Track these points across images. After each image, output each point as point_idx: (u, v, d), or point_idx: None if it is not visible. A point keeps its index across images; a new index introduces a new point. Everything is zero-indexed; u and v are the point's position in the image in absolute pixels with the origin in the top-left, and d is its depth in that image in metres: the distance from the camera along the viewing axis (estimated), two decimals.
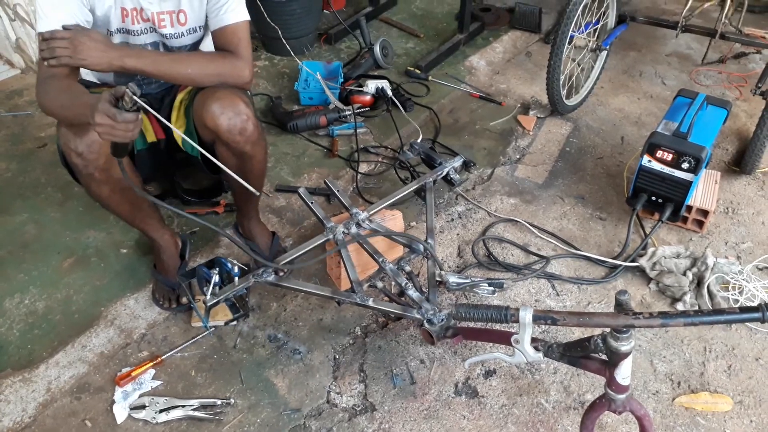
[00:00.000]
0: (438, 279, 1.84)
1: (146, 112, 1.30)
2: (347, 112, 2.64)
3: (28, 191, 2.31)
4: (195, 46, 1.80)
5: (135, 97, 1.25)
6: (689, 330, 1.87)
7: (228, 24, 1.66)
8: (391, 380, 1.76)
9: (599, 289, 2.01)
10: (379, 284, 1.82)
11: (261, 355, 1.82)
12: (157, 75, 1.57)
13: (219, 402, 1.69)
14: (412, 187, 2.01)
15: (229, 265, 1.66)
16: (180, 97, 1.83)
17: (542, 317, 1.14)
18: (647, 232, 2.14)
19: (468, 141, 2.63)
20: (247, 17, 1.70)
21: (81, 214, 2.22)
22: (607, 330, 1.23)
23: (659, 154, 1.98)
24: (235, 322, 1.87)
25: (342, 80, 2.79)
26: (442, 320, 1.69)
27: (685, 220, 2.16)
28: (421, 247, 1.84)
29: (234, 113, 1.62)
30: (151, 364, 1.77)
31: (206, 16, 1.71)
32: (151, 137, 1.83)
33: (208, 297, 1.62)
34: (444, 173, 2.06)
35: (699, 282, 1.94)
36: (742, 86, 2.89)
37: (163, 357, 1.79)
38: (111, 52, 1.50)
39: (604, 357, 1.26)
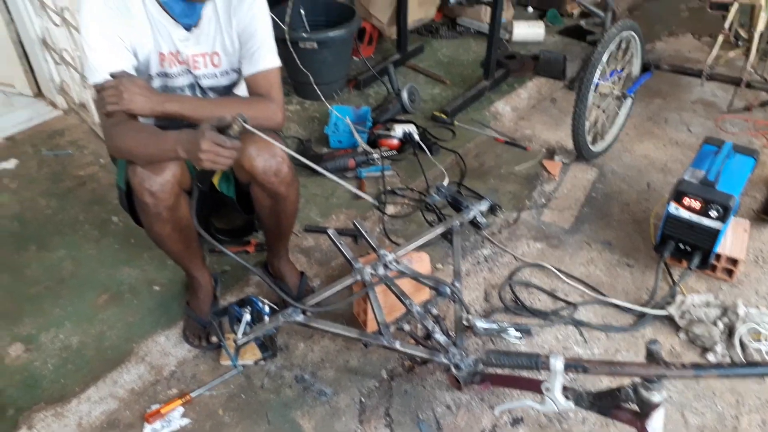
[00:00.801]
0: (465, 323, 1.85)
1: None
2: (375, 155, 2.70)
3: (66, 228, 2.38)
4: (230, 88, 1.88)
5: (246, 125, 1.42)
6: (722, 382, 1.84)
7: (261, 70, 1.74)
8: (417, 426, 1.75)
9: (627, 336, 2.00)
10: (406, 327, 1.83)
11: (288, 396, 1.83)
12: (196, 119, 1.64)
13: None
14: (439, 229, 2.04)
15: (260, 304, 1.70)
16: None
17: (573, 365, 1.14)
18: (675, 280, 2.14)
19: (494, 185, 2.66)
20: (279, 63, 1.78)
21: (116, 251, 2.28)
22: (638, 380, 1.22)
23: (687, 201, 1.99)
24: (263, 362, 1.89)
25: (370, 124, 2.86)
26: (470, 366, 1.69)
27: (714, 268, 2.15)
28: (448, 291, 1.85)
29: (270, 155, 1.68)
30: (180, 401, 1.79)
31: (240, 62, 1.80)
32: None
33: (239, 336, 1.65)
34: (471, 217, 2.09)
35: (730, 332, 1.92)
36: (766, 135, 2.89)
37: (192, 395, 1.81)
38: (153, 98, 1.58)
39: (635, 407, 1.26)
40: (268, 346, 1.77)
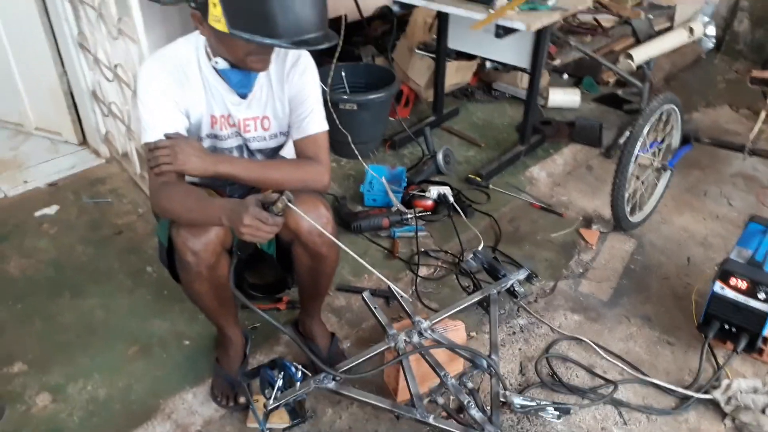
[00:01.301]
0: (502, 399, 1.79)
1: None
2: (409, 216, 2.69)
3: (101, 276, 2.40)
4: (277, 150, 1.91)
5: (290, 204, 1.44)
6: None
7: (310, 134, 1.77)
8: None
9: (670, 420, 1.91)
10: (440, 400, 1.78)
11: None
12: (247, 180, 1.67)
13: None
14: (476, 297, 2.00)
15: (293, 369, 1.66)
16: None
17: None
18: (720, 362, 2.05)
19: (529, 251, 2.62)
20: (327, 128, 1.80)
21: (149, 302, 2.28)
22: None
23: (733, 282, 1.93)
24: (291, 429, 1.84)
25: (405, 185, 2.87)
26: None
27: (761, 351, 2.06)
28: (485, 363, 1.80)
29: (315, 216, 1.68)
30: None
31: (288, 125, 1.82)
32: None
33: (271, 401, 1.62)
34: (509, 286, 2.05)
35: None
36: None
37: None
38: (207, 159, 1.61)
39: None
40: (298, 412, 1.73)
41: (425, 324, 1.87)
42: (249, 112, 1.77)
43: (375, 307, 1.93)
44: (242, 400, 1.91)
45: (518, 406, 1.81)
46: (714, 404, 1.93)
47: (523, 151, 3.13)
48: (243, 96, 1.73)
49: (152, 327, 2.18)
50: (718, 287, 1.98)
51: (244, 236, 1.44)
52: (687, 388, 1.98)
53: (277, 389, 1.64)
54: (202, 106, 1.71)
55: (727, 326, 2.02)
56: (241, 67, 1.63)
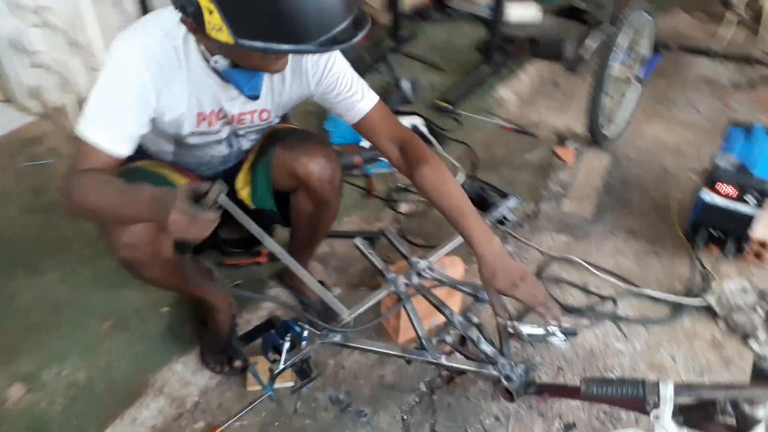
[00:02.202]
0: (510, 330, 1.75)
1: (228, 212, 1.24)
2: (376, 150, 2.56)
3: (55, 248, 2.18)
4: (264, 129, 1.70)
5: (222, 196, 1.18)
6: None
7: (371, 107, 1.57)
8: None
9: (667, 329, 1.94)
10: (448, 339, 1.73)
11: (325, 419, 1.71)
12: None
13: None
14: None
15: (298, 328, 1.56)
16: (249, 160, 1.74)
17: (686, 391, 1.05)
18: (708, 267, 2.09)
19: (508, 176, 2.56)
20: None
21: (113, 271, 2.05)
22: None
23: (722, 188, 1.93)
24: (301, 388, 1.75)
25: None
26: (521, 376, 1.60)
27: (745, 253, 2.10)
28: (485, 294, 1.75)
29: (326, 160, 1.59)
30: None
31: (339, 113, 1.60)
32: None
33: (281, 364, 1.52)
34: (500, 216, 1.98)
35: None
36: None
37: (222, 428, 1.67)
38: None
39: (730, 421, 1.18)
40: (306, 370, 1.64)
41: (423, 264, 1.79)
42: (246, 107, 1.52)
43: (370, 253, 1.83)
44: (237, 364, 1.81)
45: (527, 336, 1.78)
46: (707, 308, 1.97)
47: (489, 71, 3.02)
48: (253, 98, 1.47)
49: (123, 297, 2.01)
50: (707, 195, 1.98)
51: (171, 234, 1.18)
52: (678, 295, 2.02)
53: (286, 350, 1.54)
54: (183, 106, 1.42)
55: (714, 232, 2.03)
56: (253, 70, 1.36)
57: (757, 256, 2.09)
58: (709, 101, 2.97)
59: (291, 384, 1.78)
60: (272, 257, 2.16)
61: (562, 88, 3.09)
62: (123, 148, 1.31)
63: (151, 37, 1.30)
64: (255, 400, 1.74)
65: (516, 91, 3.03)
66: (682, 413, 1.26)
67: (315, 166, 1.58)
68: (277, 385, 1.76)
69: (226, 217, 1.99)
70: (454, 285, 1.78)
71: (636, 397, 1.06)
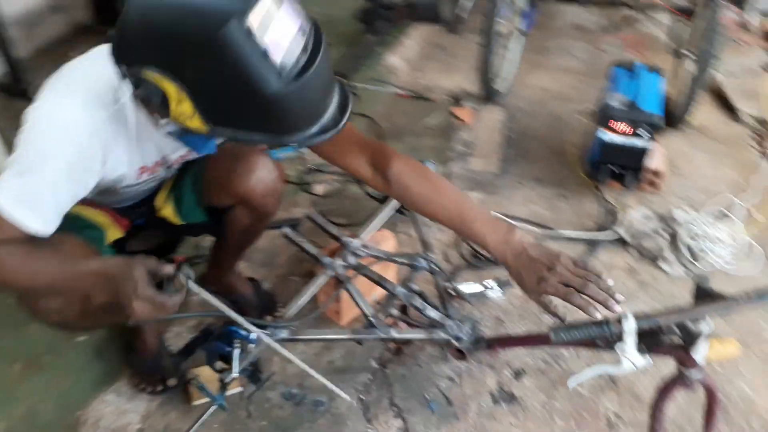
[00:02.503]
0: (452, 292, 1.78)
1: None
2: None
3: None
4: None
5: (191, 282, 1.10)
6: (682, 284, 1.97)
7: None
8: (427, 407, 1.68)
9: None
10: (395, 312, 1.72)
11: (282, 417, 1.65)
12: None
13: None
14: (395, 203, 1.92)
15: (243, 332, 1.47)
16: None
17: (644, 321, 1.11)
18: (610, 201, 2.24)
19: (412, 143, 2.58)
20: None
21: (12, 307, 1.87)
22: None
23: (616, 126, 2.07)
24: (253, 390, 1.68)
25: None
26: (470, 334, 1.64)
27: (641, 182, 2.27)
28: (425, 263, 1.76)
29: (266, 170, 1.46)
30: None
31: None
32: (115, 235, 1.50)
33: (234, 372, 1.44)
34: None
35: (674, 239, 2.06)
36: (640, 50, 3.08)
37: None
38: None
39: (675, 339, 1.27)
40: (257, 373, 1.56)
41: (356, 243, 1.76)
42: (184, 150, 1.37)
43: (301, 240, 1.77)
44: (172, 382, 1.69)
45: (467, 294, 1.83)
46: (618, 240, 2.12)
47: (374, 41, 3.00)
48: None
49: (30, 334, 1.79)
50: (603, 134, 2.11)
51: (132, 319, 1.07)
52: (592, 231, 2.15)
53: (236, 358, 1.46)
54: (125, 166, 1.24)
55: (614, 168, 2.18)
56: None
57: (652, 184, 2.27)
58: (583, 46, 3.15)
59: (240, 389, 1.71)
60: (189, 262, 2.03)
61: (447, 50, 3.14)
62: (52, 226, 1.13)
63: (87, 99, 1.10)
64: (203, 414, 1.65)
65: (404, 58, 3.04)
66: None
67: (257, 183, 1.45)
68: (228, 393, 1.68)
69: (133, 231, 1.85)
70: (392, 259, 1.78)
71: (602, 335, 1.11)
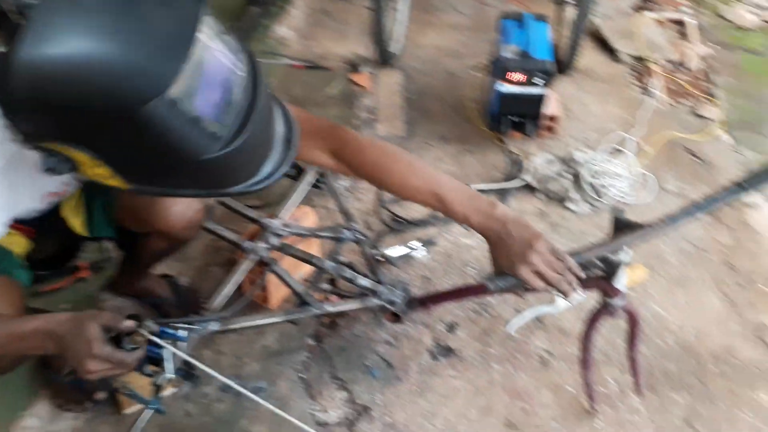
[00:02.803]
0: (380, 258, 1.79)
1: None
2: None
3: None
4: None
5: (155, 338, 1.05)
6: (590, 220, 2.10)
7: None
8: (369, 375, 1.69)
9: None
10: (326, 286, 1.70)
11: (223, 411, 1.61)
12: None
13: None
14: (311, 176, 1.87)
15: (172, 330, 1.40)
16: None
17: (574, 258, 1.15)
18: (514, 151, 2.32)
19: (315, 113, 2.49)
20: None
21: None
22: None
23: (512, 77, 2.12)
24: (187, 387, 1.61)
25: None
26: (402, 296, 1.65)
27: (539, 129, 2.37)
28: (350, 234, 1.75)
29: (187, 205, 1.39)
30: None
31: None
32: (21, 247, 1.35)
33: (168, 375, 1.36)
34: None
35: (577, 178, 2.17)
36: (523, 1, 3.15)
37: None
38: None
39: (598, 272, 1.35)
40: (190, 371, 1.49)
41: (277, 223, 1.71)
42: None
43: (217, 228, 1.69)
44: (101, 396, 1.59)
45: (394, 258, 1.84)
46: (526, 186, 2.21)
47: (259, 12, 2.87)
48: None
49: None
50: (501, 86, 2.16)
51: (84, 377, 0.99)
52: (500, 182, 2.22)
53: (167, 360, 1.38)
54: (29, 201, 1.15)
55: (513, 118, 2.25)
56: None
57: (550, 129, 2.37)
58: (467, 2, 3.19)
59: (173, 390, 1.63)
60: (95, 267, 1.90)
61: (334, 16, 3.07)
62: None
63: None
64: (136, 421, 1.57)
65: (292, 27, 2.95)
66: None
67: (176, 219, 1.37)
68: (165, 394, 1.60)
69: (37, 237, 1.69)
70: (316, 234, 1.75)
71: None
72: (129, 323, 1.01)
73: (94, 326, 0.95)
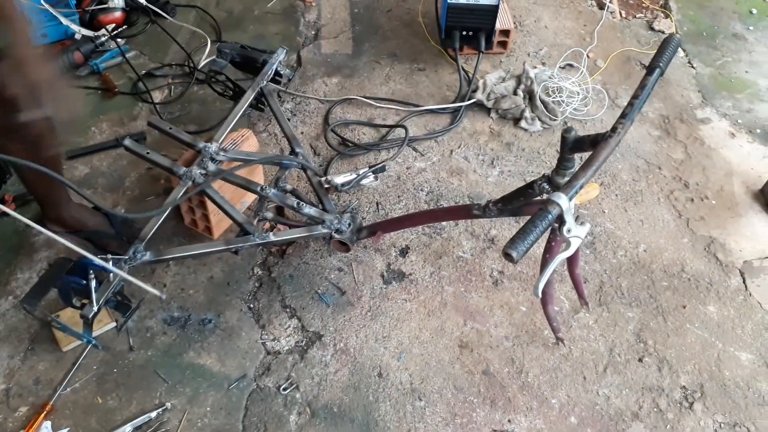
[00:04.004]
0: (326, 185, 1.70)
1: None
2: (102, 38, 2.14)
3: None
4: None
5: None
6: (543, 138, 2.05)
7: None
8: (320, 301, 1.64)
9: (452, 134, 2.06)
10: (269, 215, 1.62)
11: (168, 343, 1.54)
12: None
13: (153, 414, 1.42)
14: (250, 96, 1.75)
15: (98, 262, 1.30)
16: None
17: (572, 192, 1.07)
18: (466, 70, 2.23)
19: (255, 30, 2.35)
20: None
21: None
22: (548, 172, 1.24)
23: None
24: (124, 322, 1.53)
25: (75, 1, 2.22)
26: (350, 224, 1.59)
27: (492, 45, 2.26)
28: (295, 160, 1.65)
29: None
30: (41, 416, 1.38)
31: None
32: None
33: (95, 306, 1.28)
34: (274, 71, 1.82)
35: (530, 96, 2.10)
36: None
37: (51, 401, 1.41)
38: None
39: (545, 197, 1.29)
40: (124, 302, 1.42)
41: (213, 147, 1.60)
42: None
43: (147, 153, 1.57)
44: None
45: (341, 185, 1.76)
46: (478, 105, 2.13)
47: None
48: None
49: None
50: None
51: None
52: (454, 102, 2.14)
53: (94, 290, 1.30)
54: None
55: (465, 32, 2.14)
56: None
57: (503, 45, 2.27)
58: None
59: (112, 325, 1.56)
60: (20, 200, 1.76)
61: None
62: None
63: None
64: (78, 358, 1.49)
65: None
66: (502, 206, 1.36)
67: None
68: (97, 331, 1.53)
69: None
70: (256, 160, 1.65)
71: (547, 226, 1.06)
72: None
73: None
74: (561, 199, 1.00)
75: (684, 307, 1.65)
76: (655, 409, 1.46)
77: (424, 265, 1.72)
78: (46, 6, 2.12)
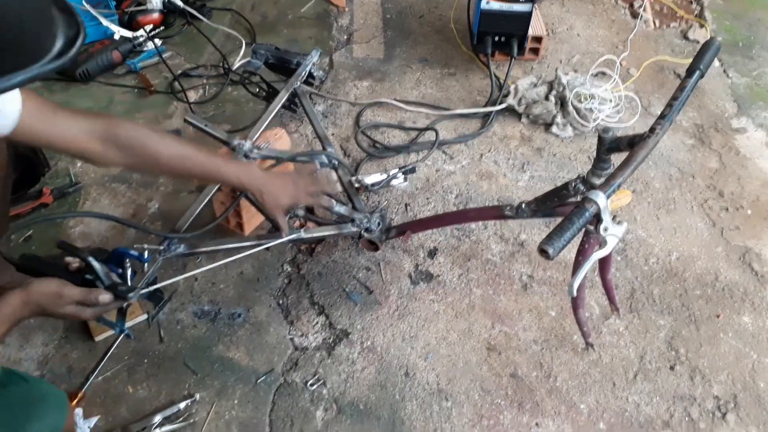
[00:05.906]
0: (356, 185, 1.72)
1: None
2: (140, 39, 2.20)
3: None
4: None
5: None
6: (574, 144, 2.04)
7: None
8: (348, 300, 1.65)
9: (482, 139, 2.06)
10: (300, 212, 1.63)
11: (198, 336, 1.56)
12: None
13: (182, 405, 1.43)
14: (284, 97, 1.77)
15: (134, 252, 1.33)
16: None
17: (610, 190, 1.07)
18: (498, 75, 2.23)
19: (289, 34, 2.39)
20: None
21: None
22: (582, 173, 1.24)
23: None
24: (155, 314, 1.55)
25: (114, 3, 2.28)
26: (379, 224, 1.60)
27: (525, 52, 2.26)
28: (326, 159, 1.67)
29: None
30: (74, 403, 1.41)
31: None
32: None
33: (132, 296, 1.31)
34: (308, 72, 1.84)
35: (562, 102, 2.09)
36: None
37: (83, 390, 1.43)
38: None
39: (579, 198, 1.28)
40: (157, 293, 1.44)
41: (247, 145, 1.62)
42: None
43: (205, 125, 1.62)
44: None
45: (371, 185, 1.77)
46: (509, 110, 2.13)
47: None
48: None
49: None
50: (484, 3, 2.04)
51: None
52: (483, 106, 2.14)
53: (130, 278, 1.32)
54: None
55: (497, 38, 2.14)
56: None
57: (535, 51, 2.28)
58: None
59: (144, 316, 1.58)
60: (58, 193, 1.81)
61: None
62: None
63: None
64: (110, 347, 1.52)
65: None
66: (536, 207, 1.36)
67: None
68: (129, 323, 1.55)
69: None
70: (289, 158, 1.66)
71: (584, 222, 1.06)
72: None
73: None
74: (599, 196, 1.00)
75: (718, 317, 1.62)
76: (687, 419, 1.43)
77: (452, 267, 1.72)
78: (87, 7, 2.18)
